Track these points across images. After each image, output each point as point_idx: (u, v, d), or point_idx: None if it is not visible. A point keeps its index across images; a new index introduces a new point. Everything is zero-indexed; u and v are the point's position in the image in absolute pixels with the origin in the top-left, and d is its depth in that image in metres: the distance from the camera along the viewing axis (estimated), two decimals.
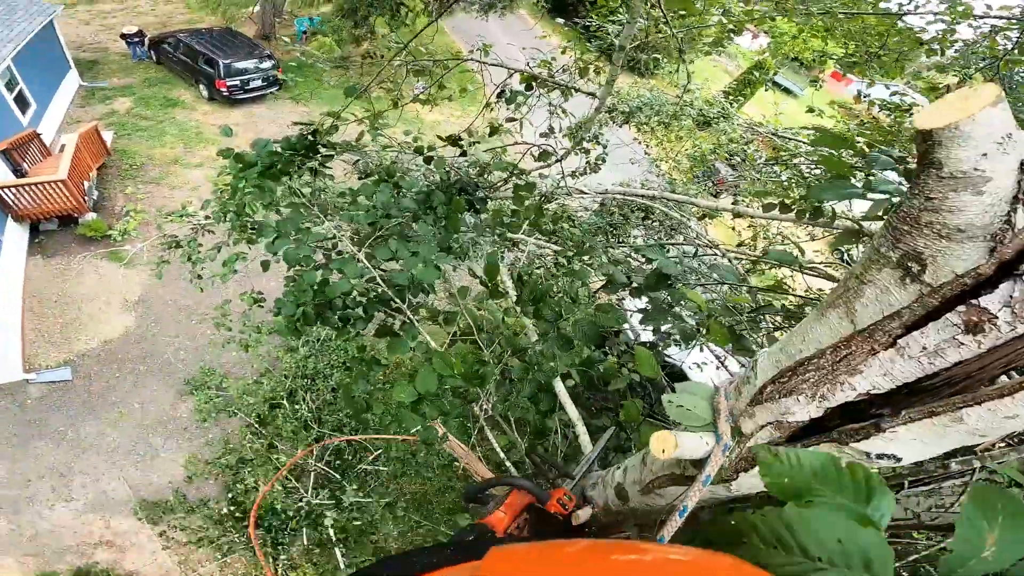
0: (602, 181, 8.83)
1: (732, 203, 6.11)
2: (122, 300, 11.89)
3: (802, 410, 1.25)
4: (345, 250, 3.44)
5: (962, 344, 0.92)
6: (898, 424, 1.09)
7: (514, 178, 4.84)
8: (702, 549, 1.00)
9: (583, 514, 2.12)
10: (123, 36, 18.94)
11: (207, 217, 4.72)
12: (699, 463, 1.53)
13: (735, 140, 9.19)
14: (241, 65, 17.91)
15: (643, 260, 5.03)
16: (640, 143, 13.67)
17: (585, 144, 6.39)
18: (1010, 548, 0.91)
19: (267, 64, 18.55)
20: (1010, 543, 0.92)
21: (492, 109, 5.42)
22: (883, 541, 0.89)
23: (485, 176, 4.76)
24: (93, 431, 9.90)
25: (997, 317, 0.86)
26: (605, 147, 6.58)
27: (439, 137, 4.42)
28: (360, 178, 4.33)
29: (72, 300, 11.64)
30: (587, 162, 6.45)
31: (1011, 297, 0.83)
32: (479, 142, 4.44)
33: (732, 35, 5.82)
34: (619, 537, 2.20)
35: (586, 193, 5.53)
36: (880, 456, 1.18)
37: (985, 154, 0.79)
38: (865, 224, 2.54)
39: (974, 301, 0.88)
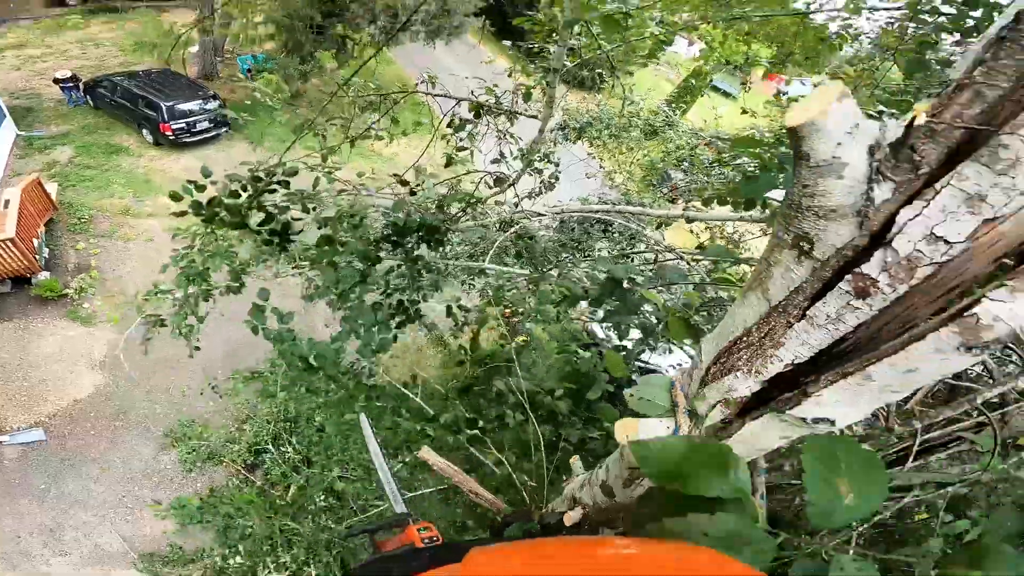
0: (561, 198, 9.05)
1: (684, 208, 6.32)
2: (88, 359, 11.73)
3: (743, 385, 1.39)
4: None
5: (856, 308, 1.07)
6: (821, 388, 1.23)
7: (471, 207, 4.98)
8: (681, 543, 1.07)
9: (574, 514, 2.22)
10: (56, 81, 18.44)
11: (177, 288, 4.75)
12: None
13: (681, 146, 9.50)
14: (185, 107, 17.34)
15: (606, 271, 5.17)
16: (594, 157, 13.94)
17: (537, 164, 6.57)
18: (868, 492, 1.09)
19: (212, 104, 17.86)
20: (867, 487, 1.09)
21: (448, 142, 5.55)
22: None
23: (444, 209, 4.87)
24: (76, 487, 9.84)
25: (878, 281, 1.00)
26: (557, 165, 6.76)
27: (394, 176, 4.53)
28: (319, 227, 4.41)
29: (36, 363, 11.46)
30: (541, 182, 6.63)
31: (886, 262, 0.98)
32: (424, 182, 4.55)
33: (664, 47, 6.05)
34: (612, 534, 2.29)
35: (543, 214, 5.68)
36: (816, 420, 1.31)
37: (840, 143, 0.94)
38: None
39: (858, 269, 1.03)
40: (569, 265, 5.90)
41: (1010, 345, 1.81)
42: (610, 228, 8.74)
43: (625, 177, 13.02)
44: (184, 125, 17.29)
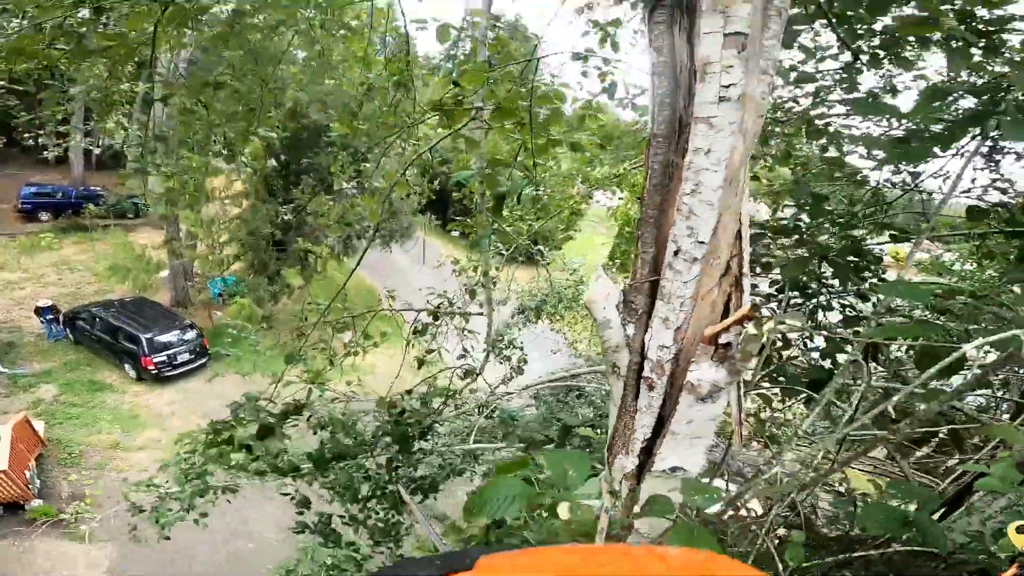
0: (532, 377, 9.84)
1: None
2: (89, 570, 11.57)
3: (629, 462, 2.15)
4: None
5: (653, 396, 1.88)
6: (659, 448, 2.01)
7: (451, 399, 5.78)
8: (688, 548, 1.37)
9: None
10: (37, 311, 18.64)
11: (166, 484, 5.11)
12: None
13: None
14: (164, 338, 17.47)
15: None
16: (556, 331, 14.82)
17: (505, 352, 7.48)
18: (581, 475, 1.88)
19: (191, 335, 18.20)
20: (580, 470, 1.88)
21: (413, 346, 6.37)
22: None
23: (427, 405, 5.65)
24: None
25: (652, 378, 1.83)
26: (521, 349, 7.69)
27: (382, 402, 5.25)
28: (315, 432, 5.06)
29: (37, 574, 11.27)
30: (511, 367, 7.51)
31: (650, 367, 1.81)
32: (400, 401, 5.30)
33: (578, 218, 7.14)
34: None
35: (511, 392, 6.49)
36: (673, 469, 2.07)
37: (605, 307, 1.80)
38: None
39: (643, 375, 1.85)
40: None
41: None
42: (584, 393, 9.46)
43: (587, 345, 13.93)
44: (165, 358, 17.40)
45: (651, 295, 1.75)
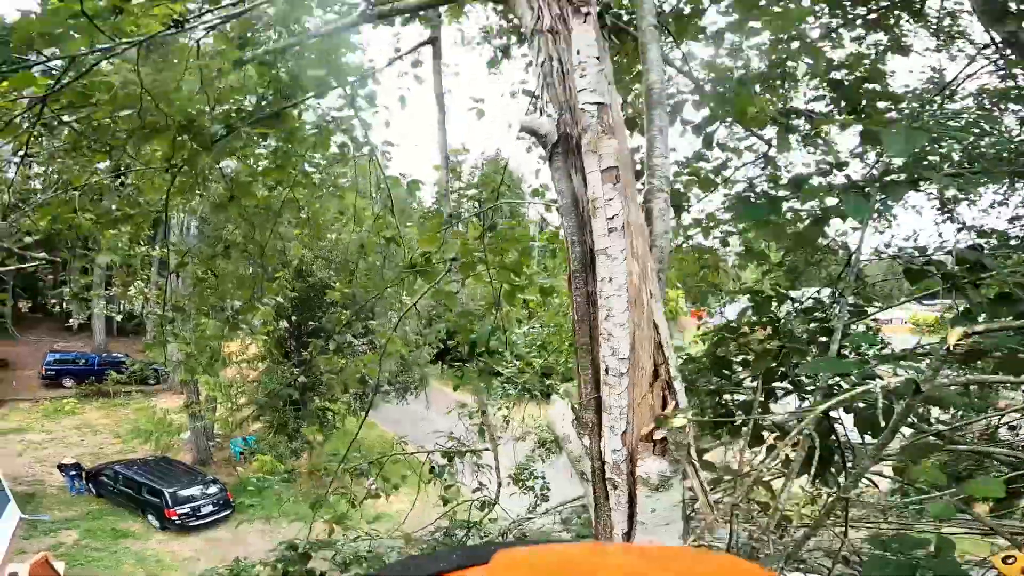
0: (557, 500, 10.01)
1: None
2: None
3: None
4: None
5: (619, 493, 2.20)
6: (635, 537, 2.30)
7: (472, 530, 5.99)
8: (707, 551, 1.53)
9: None
10: (60, 467, 18.96)
11: None
12: None
13: None
14: (187, 492, 18.01)
15: None
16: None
17: (527, 483, 7.71)
18: None
19: (214, 489, 18.74)
20: None
21: (434, 484, 6.60)
22: None
23: (451, 537, 5.85)
24: None
25: (615, 478, 2.16)
26: (543, 478, 7.94)
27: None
28: (340, 571, 5.22)
29: None
30: (535, 495, 7.73)
31: (609, 469, 2.14)
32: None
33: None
34: None
35: (532, 517, 6.68)
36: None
37: (563, 426, 2.16)
38: None
39: (607, 476, 2.18)
40: None
41: None
42: None
43: None
44: (189, 510, 17.81)
45: (598, 409, 2.11)
